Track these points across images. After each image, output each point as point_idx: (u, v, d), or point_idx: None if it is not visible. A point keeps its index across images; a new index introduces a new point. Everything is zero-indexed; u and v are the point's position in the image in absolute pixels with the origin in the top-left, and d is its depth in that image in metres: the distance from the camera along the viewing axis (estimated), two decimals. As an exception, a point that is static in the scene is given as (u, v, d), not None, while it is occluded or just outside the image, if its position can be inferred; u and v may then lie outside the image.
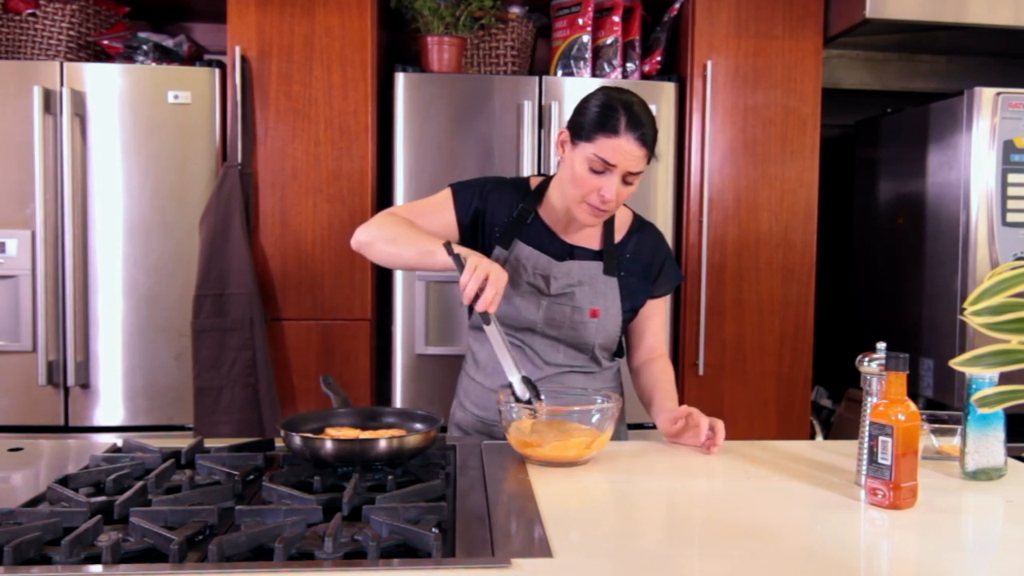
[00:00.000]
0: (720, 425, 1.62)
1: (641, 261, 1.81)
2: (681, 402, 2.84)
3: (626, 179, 1.64)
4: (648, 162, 1.67)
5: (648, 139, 1.63)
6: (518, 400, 1.53)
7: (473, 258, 1.52)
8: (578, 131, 1.65)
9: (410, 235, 1.64)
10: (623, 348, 1.91)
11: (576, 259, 1.76)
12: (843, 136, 3.54)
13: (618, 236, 1.81)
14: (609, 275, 1.76)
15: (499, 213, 1.76)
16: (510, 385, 1.54)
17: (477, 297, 1.50)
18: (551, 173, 2.78)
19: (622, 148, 1.60)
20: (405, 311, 2.74)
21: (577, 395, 1.68)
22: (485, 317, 1.52)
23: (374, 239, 1.68)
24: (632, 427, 2.83)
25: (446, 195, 1.79)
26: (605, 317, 1.76)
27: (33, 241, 2.62)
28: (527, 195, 1.79)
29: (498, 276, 1.51)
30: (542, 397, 1.55)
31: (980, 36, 3.04)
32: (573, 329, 1.75)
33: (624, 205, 1.86)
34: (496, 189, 1.79)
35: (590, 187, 1.64)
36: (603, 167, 1.62)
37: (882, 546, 1.20)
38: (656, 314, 1.87)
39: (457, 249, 1.55)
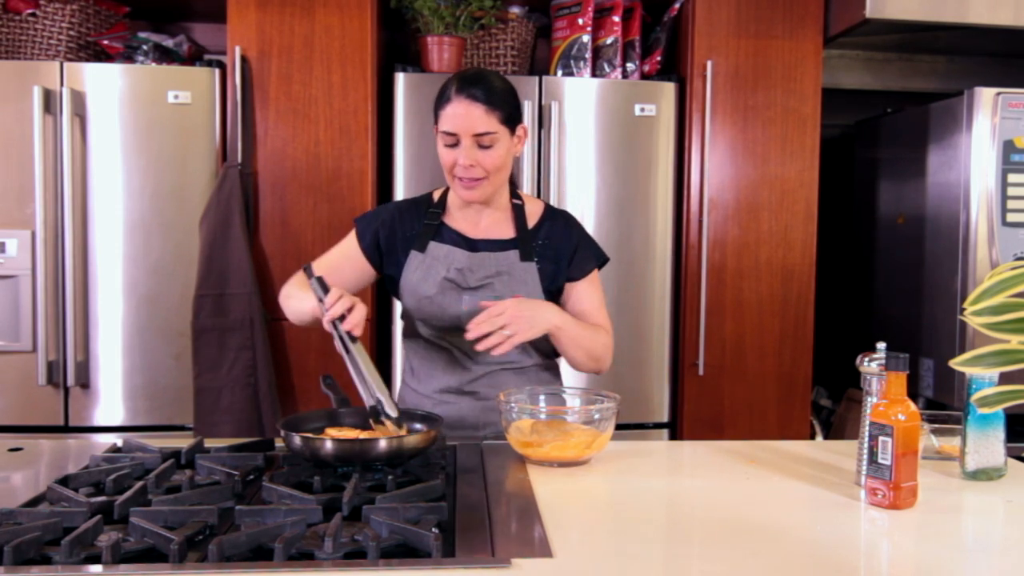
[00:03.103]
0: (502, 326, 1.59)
1: (553, 247, 1.82)
2: (680, 402, 2.88)
3: (481, 143, 1.67)
4: (504, 125, 1.68)
5: (482, 96, 1.66)
6: (385, 417, 1.53)
7: (337, 288, 1.57)
8: (435, 118, 1.73)
9: (304, 290, 1.70)
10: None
11: (491, 251, 1.78)
12: (843, 136, 3.54)
13: (530, 224, 1.83)
14: (526, 261, 1.77)
15: (409, 228, 1.82)
16: (377, 402, 1.53)
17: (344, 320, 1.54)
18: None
19: (456, 112, 1.66)
20: (405, 311, 2.74)
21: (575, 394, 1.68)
22: (351, 337, 1.54)
23: (283, 298, 1.82)
24: (631, 427, 2.85)
25: (351, 231, 1.87)
26: None
27: (33, 241, 2.62)
28: (431, 205, 1.84)
29: (361, 305, 1.56)
30: (392, 416, 1.54)
31: (980, 36, 3.04)
32: None
33: (539, 199, 1.92)
34: (398, 209, 1.87)
35: (450, 162, 1.70)
36: (451, 140, 1.68)
37: (882, 546, 1.20)
38: (582, 297, 1.84)
39: (317, 276, 1.61)
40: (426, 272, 1.76)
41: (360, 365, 1.53)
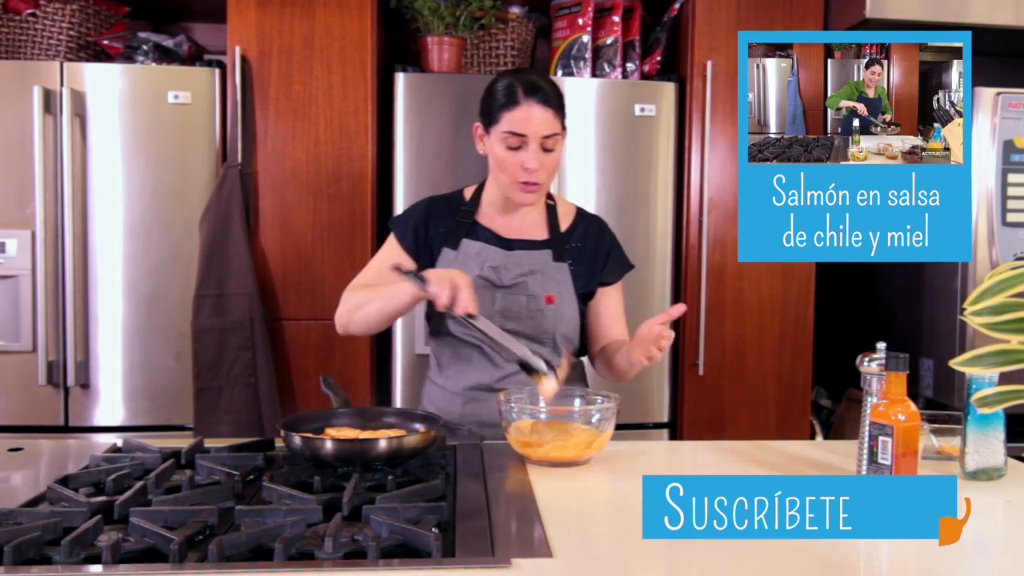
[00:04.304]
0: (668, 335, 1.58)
1: (588, 249, 1.83)
2: (680, 402, 2.88)
3: (544, 146, 1.69)
4: (562, 126, 1.72)
5: (550, 101, 1.69)
6: (532, 370, 1.57)
7: (431, 272, 1.58)
8: (487, 118, 1.74)
9: (370, 292, 1.72)
10: (586, 347, 1.91)
11: (525, 250, 1.79)
12: (843, 136, 3.53)
13: (563, 226, 1.84)
14: (559, 262, 1.78)
15: (440, 225, 1.82)
16: (522, 363, 1.58)
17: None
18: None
19: (526, 116, 1.68)
20: (405, 311, 2.74)
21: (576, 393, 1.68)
22: (470, 316, 1.55)
23: (346, 316, 1.76)
24: (631, 427, 2.84)
25: (390, 236, 1.86)
26: (561, 303, 1.77)
27: (33, 241, 2.62)
28: (463, 204, 1.85)
29: (462, 277, 1.56)
30: (558, 363, 1.58)
31: (980, 36, 3.03)
32: (531, 319, 1.75)
33: (569, 201, 1.93)
34: (432, 205, 1.86)
35: (514, 165, 1.70)
36: (517, 141, 1.68)
37: (882, 546, 1.20)
38: (611, 302, 1.85)
39: (411, 270, 1.62)
40: (459, 269, 1.75)
41: (488, 334, 1.57)
